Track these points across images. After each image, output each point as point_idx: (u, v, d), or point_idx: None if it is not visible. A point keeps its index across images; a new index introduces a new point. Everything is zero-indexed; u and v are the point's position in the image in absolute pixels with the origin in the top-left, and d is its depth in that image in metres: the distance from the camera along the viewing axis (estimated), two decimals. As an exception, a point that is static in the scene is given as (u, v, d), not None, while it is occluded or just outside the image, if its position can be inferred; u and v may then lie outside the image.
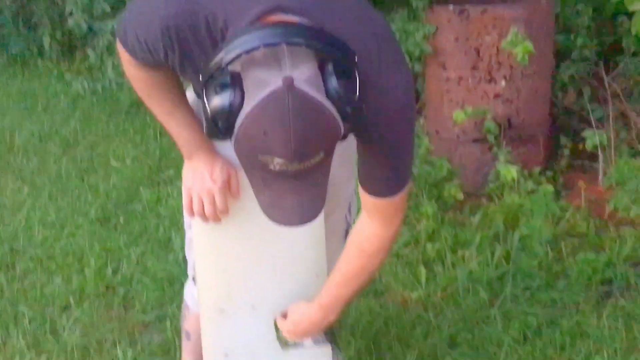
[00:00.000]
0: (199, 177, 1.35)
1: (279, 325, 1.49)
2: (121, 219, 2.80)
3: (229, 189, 1.36)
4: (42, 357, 1.95)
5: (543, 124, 2.90)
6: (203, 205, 1.35)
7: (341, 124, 1.01)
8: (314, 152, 0.99)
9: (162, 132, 3.72)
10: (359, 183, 1.29)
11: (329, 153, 1.03)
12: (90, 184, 3.16)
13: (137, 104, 4.22)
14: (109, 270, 2.40)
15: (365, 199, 1.30)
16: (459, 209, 2.75)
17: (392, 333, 1.98)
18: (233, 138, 1.01)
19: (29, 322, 2.13)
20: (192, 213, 1.37)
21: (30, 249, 2.59)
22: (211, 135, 1.04)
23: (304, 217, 1.08)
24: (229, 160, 1.36)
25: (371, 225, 1.33)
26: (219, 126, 1.01)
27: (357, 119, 1.04)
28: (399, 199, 1.28)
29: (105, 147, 3.62)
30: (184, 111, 1.35)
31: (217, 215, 1.36)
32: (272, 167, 0.99)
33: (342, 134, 1.02)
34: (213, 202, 1.34)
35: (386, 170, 1.25)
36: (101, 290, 2.30)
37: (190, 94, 1.39)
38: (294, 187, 1.03)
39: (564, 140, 2.95)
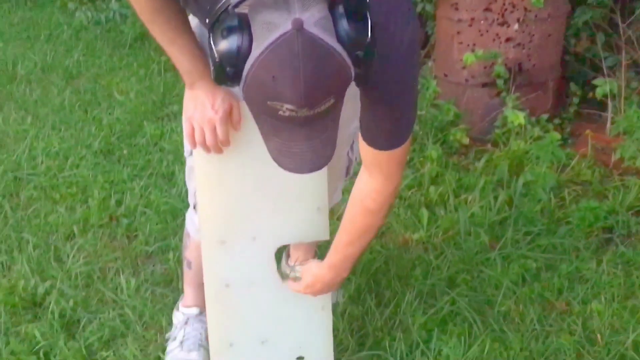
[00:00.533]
0: (200, 106, 1.33)
1: (293, 289, 1.51)
2: (125, 152, 2.79)
3: (230, 119, 1.34)
4: (47, 283, 1.97)
5: (554, 70, 2.85)
6: (205, 135, 1.34)
7: (352, 68, 0.99)
8: (324, 98, 0.97)
9: (167, 68, 3.68)
10: (360, 136, 1.28)
11: (339, 98, 1.01)
12: (93, 116, 3.14)
13: (142, 38, 4.15)
14: (113, 202, 2.41)
15: (366, 152, 1.30)
16: (463, 153, 2.74)
17: (392, 272, 2.00)
18: (241, 83, 0.98)
19: (34, 249, 2.15)
20: (193, 143, 1.36)
21: (34, 178, 2.60)
22: (219, 81, 1.01)
23: (314, 164, 1.06)
24: (230, 91, 1.34)
25: (372, 182, 1.34)
26: (227, 71, 0.98)
27: (368, 64, 1.01)
28: (399, 152, 1.28)
29: (109, 80, 3.58)
30: (186, 39, 1.32)
31: (218, 146, 1.35)
32: (281, 113, 0.96)
33: (352, 79, 1.00)
34: (214, 132, 1.33)
35: (388, 122, 1.24)
36: (105, 220, 2.31)
37: (193, 19, 1.35)
38: (304, 133, 1.01)
39: (573, 87, 2.91)
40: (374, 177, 1.33)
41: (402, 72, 1.18)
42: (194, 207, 1.59)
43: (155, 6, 1.26)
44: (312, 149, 1.03)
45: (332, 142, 1.07)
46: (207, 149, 1.35)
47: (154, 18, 1.29)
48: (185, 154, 1.54)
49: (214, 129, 1.33)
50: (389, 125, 1.24)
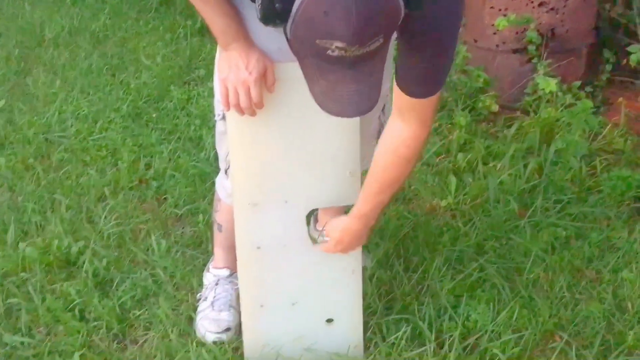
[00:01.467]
0: (234, 67, 1.32)
1: (324, 250, 1.52)
2: (153, 116, 2.81)
3: (264, 81, 1.34)
4: (80, 243, 2.01)
5: (587, 36, 2.78)
6: (238, 97, 1.33)
7: (402, 4, 0.97)
8: (374, 35, 0.96)
9: (192, 32, 3.66)
10: (395, 84, 1.27)
11: (388, 38, 1.00)
12: (121, 80, 3.15)
13: (167, 2, 4.13)
14: (142, 165, 2.43)
15: (402, 100, 1.28)
16: (492, 121, 2.70)
17: (420, 238, 2.00)
18: (290, 21, 0.97)
19: (66, 210, 2.19)
20: (227, 104, 1.35)
21: (64, 140, 2.63)
22: (266, 19, 1.00)
23: (361, 107, 1.06)
24: (265, 52, 1.33)
25: (406, 128, 1.33)
26: (276, 7, 0.97)
27: (417, 3, 1.00)
28: (435, 98, 1.27)
29: (135, 44, 3.57)
30: None
31: (252, 108, 1.34)
32: (330, 52, 0.96)
33: (401, 16, 0.99)
34: (248, 94, 1.32)
35: (427, 71, 1.23)
36: (135, 183, 2.34)
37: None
38: (351, 75, 1.00)
39: (607, 54, 2.84)
40: (408, 123, 1.32)
41: (446, 18, 1.17)
42: (225, 172, 1.60)
43: (189, -35, 1.25)
44: (358, 92, 1.03)
45: (378, 86, 1.06)
46: (240, 110, 1.35)
47: (187, -24, 1.28)
48: (216, 117, 1.54)
49: (248, 91, 1.32)
50: (426, 75, 1.23)
